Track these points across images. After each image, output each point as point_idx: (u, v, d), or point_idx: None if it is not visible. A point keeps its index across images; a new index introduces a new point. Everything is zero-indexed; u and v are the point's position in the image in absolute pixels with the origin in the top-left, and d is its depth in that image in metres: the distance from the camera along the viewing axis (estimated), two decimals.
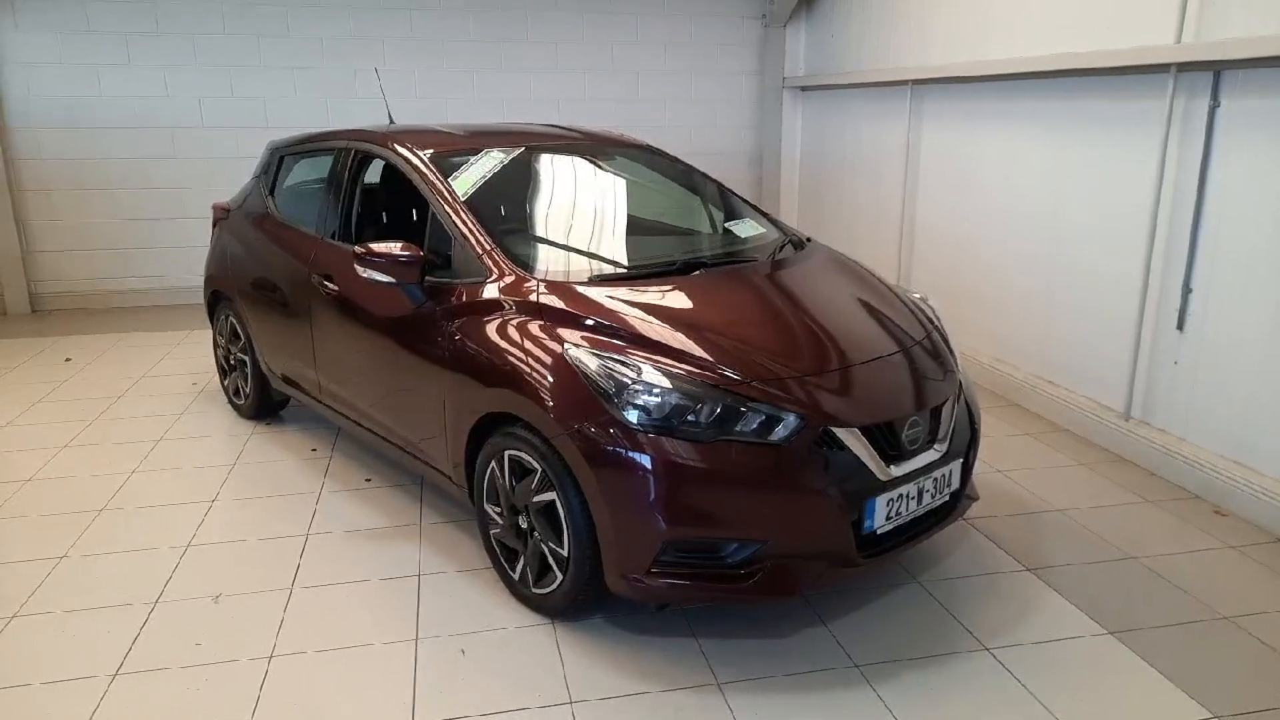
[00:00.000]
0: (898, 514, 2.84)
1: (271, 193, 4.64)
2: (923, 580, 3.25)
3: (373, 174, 4.32)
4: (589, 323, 2.93)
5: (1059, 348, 4.95)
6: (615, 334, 2.88)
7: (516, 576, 3.10)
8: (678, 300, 3.11)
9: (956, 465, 3.04)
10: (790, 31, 8.16)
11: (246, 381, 4.81)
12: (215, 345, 5.11)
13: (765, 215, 4.09)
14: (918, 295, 3.64)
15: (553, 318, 2.99)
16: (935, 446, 2.95)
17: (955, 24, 5.72)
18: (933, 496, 2.96)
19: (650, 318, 2.95)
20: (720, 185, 4.24)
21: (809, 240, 3.92)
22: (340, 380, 3.95)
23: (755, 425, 2.66)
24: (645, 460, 2.63)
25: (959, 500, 3.13)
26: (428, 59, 7.70)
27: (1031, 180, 5.06)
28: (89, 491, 4.04)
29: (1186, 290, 4.12)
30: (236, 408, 5.00)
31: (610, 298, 3.04)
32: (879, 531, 2.81)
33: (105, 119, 7.31)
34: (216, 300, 5.00)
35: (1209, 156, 3.96)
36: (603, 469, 2.68)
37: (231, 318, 4.80)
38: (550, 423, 2.79)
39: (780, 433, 2.66)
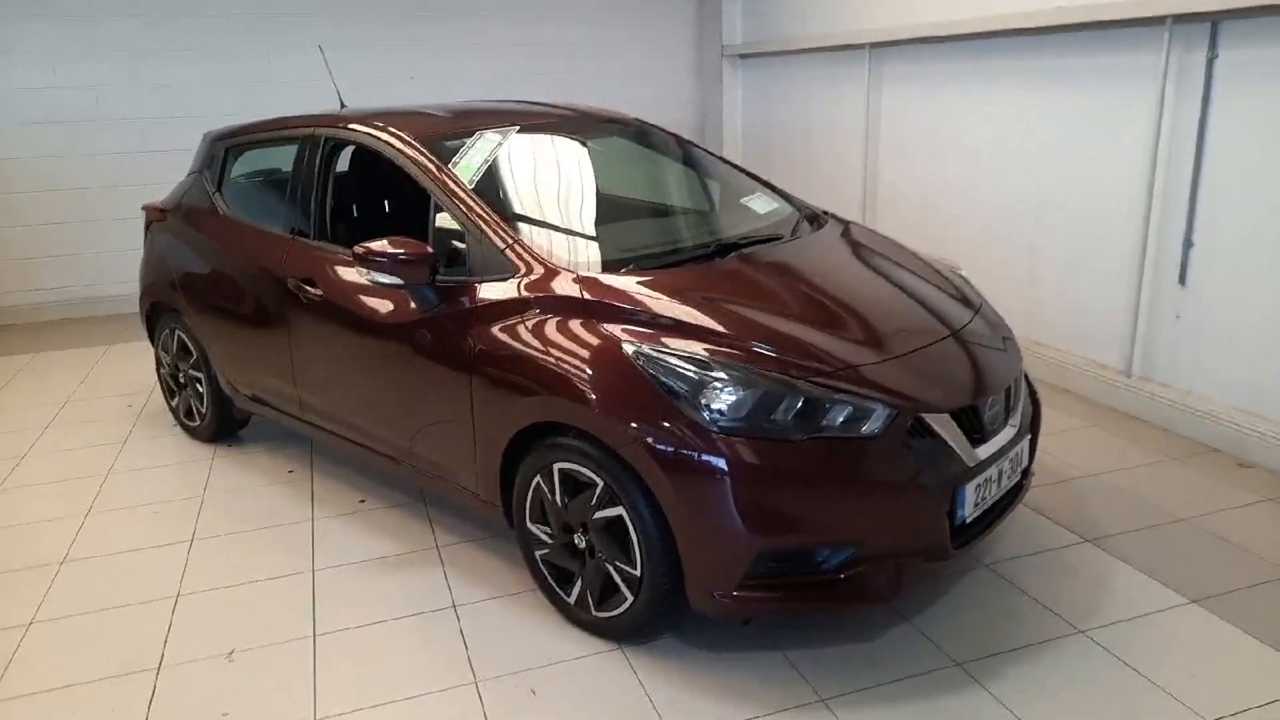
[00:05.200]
0: (983, 499, 2.68)
1: (219, 189, 4.16)
2: (988, 563, 3.12)
3: (342, 164, 3.91)
4: (642, 317, 2.66)
5: (1047, 310, 4.92)
6: (676, 328, 2.62)
7: (573, 600, 2.82)
8: (729, 286, 2.87)
9: (1026, 441, 2.91)
10: None
11: (201, 401, 4.33)
12: (159, 364, 4.59)
13: (774, 189, 3.87)
14: (949, 265, 3.49)
15: (600, 314, 2.70)
16: (1010, 424, 2.80)
17: None
18: (1008, 477, 2.81)
19: (708, 307, 2.69)
20: (723, 159, 4.00)
21: (826, 214, 3.72)
22: (329, 396, 3.56)
23: (845, 419, 2.45)
24: (731, 465, 2.39)
25: (1027, 478, 3.01)
26: (349, 42, 7.11)
27: (1012, 143, 4.98)
28: (42, 541, 3.54)
29: (1188, 245, 4.11)
30: (190, 430, 4.51)
31: (658, 288, 2.77)
32: (968, 520, 2.65)
33: None
34: (156, 313, 4.49)
35: (1208, 109, 3.94)
36: (683, 478, 2.43)
37: (179, 331, 4.30)
38: (615, 430, 2.51)
39: (872, 425, 2.45)
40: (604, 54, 7.90)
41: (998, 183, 5.13)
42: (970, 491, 2.60)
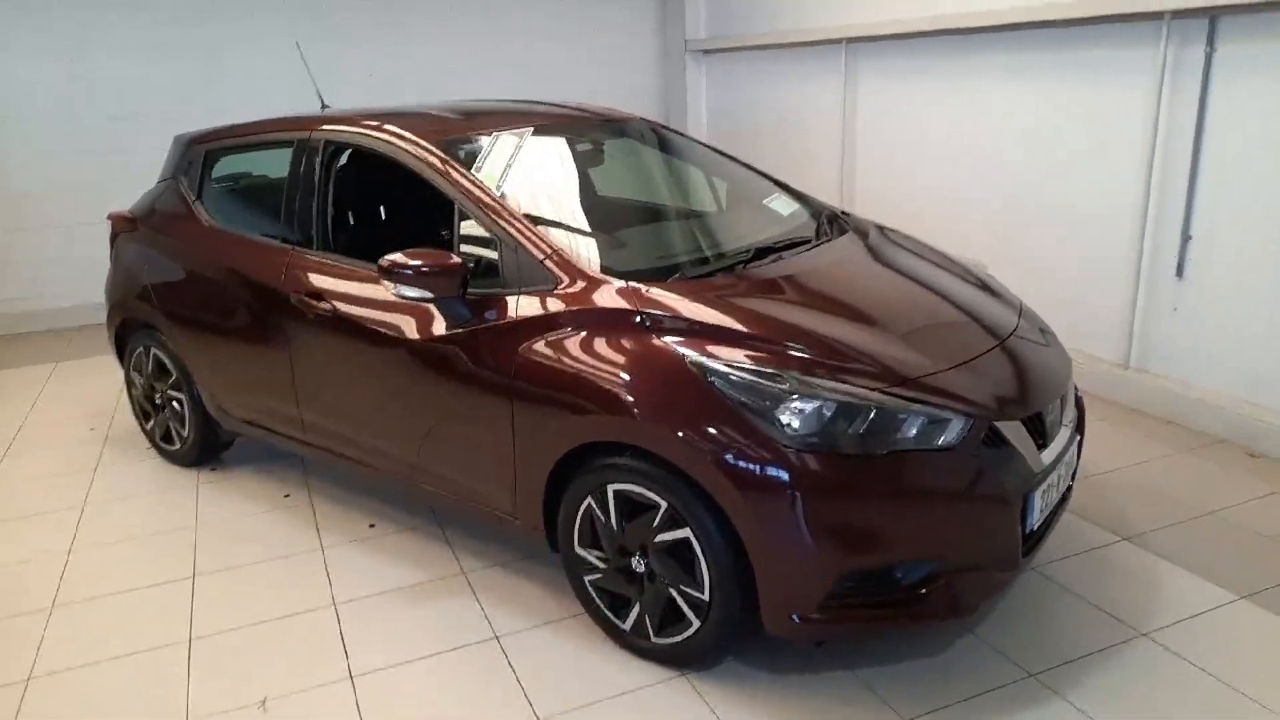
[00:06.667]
0: (1047, 505, 2.64)
1: (199, 197, 3.89)
2: (1035, 568, 3.09)
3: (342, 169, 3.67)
4: (698, 328, 2.54)
5: (1039, 303, 4.91)
6: (734, 338, 2.51)
7: (628, 627, 2.69)
8: (777, 294, 2.77)
9: (1075, 443, 2.89)
10: None
11: (183, 423, 4.06)
12: (130, 385, 4.29)
13: (788, 189, 3.78)
14: (975, 263, 3.45)
15: (653, 326, 2.57)
16: (1064, 426, 2.77)
17: None
18: (1064, 481, 2.79)
19: (763, 316, 2.59)
20: (734, 158, 3.90)
21: (845, 214, 3.65)
22: (340, 416, 3.34)
23: (924, 431, 2.37)
24: (810, 482, 2.30)
25: (1074, 480, 2.98)
26: (302, 36, 6.73)
27: (1002, 138, 4.99)
28: (25, 584, 3.26)
29: (1185, 238, 4.16)
30: (168, 454, 4.22)
31: (708, 297, 2.65)
32: (1035, 527, 2.60)
33: None
34: (127, 330, 4.19)
35: (1205, 103, 3.99)
36: (759, 498, 2.32)
37: (155, 350, 4.02)
38: (683, 448, 2.39)
39: (949, 436, 2.38)
40: (564, 45, 7.72)
41: (986, 178, 5.13)
42: (1038, 498, 2.56)
